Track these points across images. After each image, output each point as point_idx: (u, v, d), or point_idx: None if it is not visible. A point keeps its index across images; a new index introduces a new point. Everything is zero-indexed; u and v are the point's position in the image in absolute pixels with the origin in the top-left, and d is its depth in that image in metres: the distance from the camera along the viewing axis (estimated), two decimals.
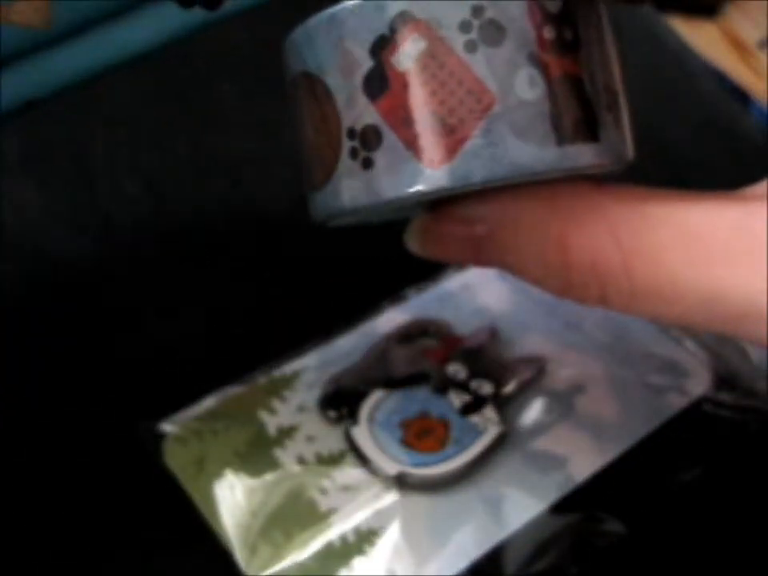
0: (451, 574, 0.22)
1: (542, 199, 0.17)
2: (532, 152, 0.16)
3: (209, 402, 0.26)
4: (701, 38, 0.47)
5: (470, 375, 0.26)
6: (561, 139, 0.16)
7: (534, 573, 0.22)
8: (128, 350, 0.28)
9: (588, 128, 0.17)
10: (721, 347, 0.28)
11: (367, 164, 0.17)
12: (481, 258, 0.19)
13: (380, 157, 0.17)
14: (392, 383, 0.26)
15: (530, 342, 0.28)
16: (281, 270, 0.31)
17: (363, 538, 0.23)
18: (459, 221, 0.18)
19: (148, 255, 0.31)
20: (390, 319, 0.28)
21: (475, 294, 0.29)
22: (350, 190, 0.17)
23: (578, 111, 0.16)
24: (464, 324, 0.28)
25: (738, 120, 0.38)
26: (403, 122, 0.16)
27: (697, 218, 0.17)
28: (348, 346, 0.27)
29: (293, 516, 0.23)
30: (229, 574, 0.22)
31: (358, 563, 0.22)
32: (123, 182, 0.33)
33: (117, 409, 0.26)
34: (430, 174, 0.16)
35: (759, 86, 0.46)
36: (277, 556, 0.22)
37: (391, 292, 0.29)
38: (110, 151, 0.33)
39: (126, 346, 0.28)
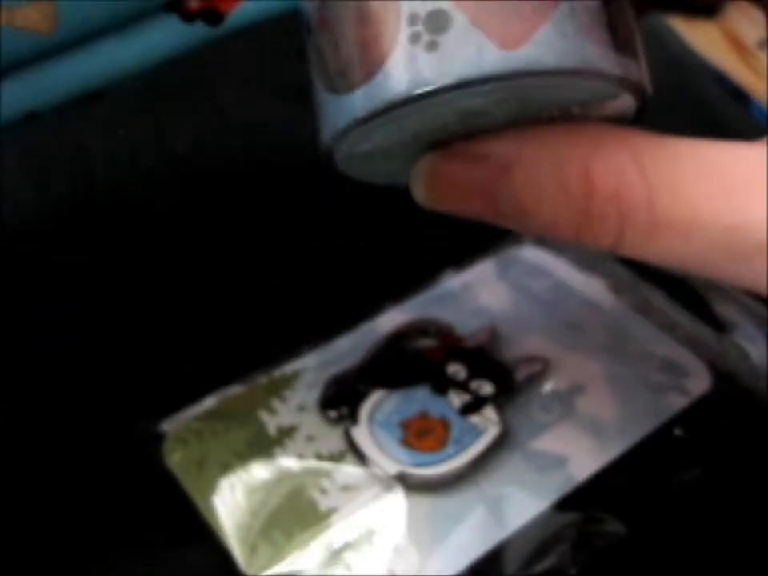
0: (451, 574, 0.22)
1: (565, 132, 0.17)
2: (596, 51, 0.16)
3: (209, 402, 0.26)
4: (701, 38, 0.47)
5: (470, 375, 0.26)
6: (617, 47, 0.17)
7: (534, 573, 0.22)
8: (128, 350, 0.28)
9: (632, 46, 0.17)
10: (721, 347, 0.28)
11: (432, 47, 0.16)
12: (491, 203, 0.18)
13: (448, 40, 0.16)
14: (392, 383, 0.26)
15: (530, 342, 0.28)
16: (281, 269, 0.31)
17: (363, 538, 0.23)
18: (472, 158, 0.18)
19: (148, 255, 0.31)
20: (390, 319, 0.28)
21: (475, 294, 0.29)
22: (412, 73, 0.16)
23: (626, 28, 0.17)
24: (464, 324, 0.28)
25: (738, 120, 0.38)
26: (474, 4, 0.16)
27: (721, 154, 0.17)
28: (348, 346, 0.27)
29: (293, 516, 0.23)
30: (229, 574, 0.22)
31: (358, 563, 0.22)
32: (123, 181, 0.33)
33: (117, 409, 0.26)
34: (502, 56, 0.16)
35: (759, 86, 0.46)
36: (277, 556, 0.22)
37: (391, 292, 0.29)
38: (111, 150, 0.33)
39: (125, 346, 0.28)
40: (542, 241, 0.31)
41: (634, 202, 0.16)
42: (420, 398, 0.25)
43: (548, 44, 0.16)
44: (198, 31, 0.23)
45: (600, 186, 0.17)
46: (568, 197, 0.17)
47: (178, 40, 0.23)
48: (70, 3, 0.20)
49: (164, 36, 0.23)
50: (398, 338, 0.27)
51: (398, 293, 0.29)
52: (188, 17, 0.23)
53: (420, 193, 0.19)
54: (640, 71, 0.17)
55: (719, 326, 0.28)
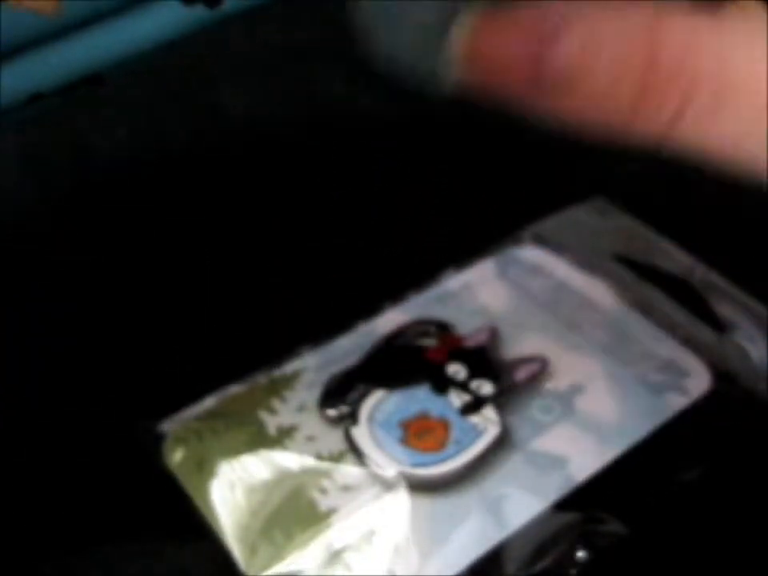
0: (451, 574, 0.22)
1: None
2: None
3: (209, 402, 0.26)
4: None
5: (470, 375, 0.26)
6: None
7: (534, 573, 0.22)
8: (128, 350, 0.28)
9: None
10: (721, 347, 0.28)
11: None
12: (535, 73, 0.16)
13: None
14: (392, 383, 0.26)
15: (530, 342, 0.28)
16: (281, 269, 0.31)
17: (363, 538, 0.23)
18: (523, 16, 0.16)
19: (148, 255, 0.31)
20: (390, 319, 0.28)
21: (475, 294, 0.29)
22: None
23: None
24: (464, 324, 0.28)
25: None
26: None
27: None
28: (348, 346, 0.27)
29: (293, 516, 0.23)
30: (229, 574, 0.22)
31: (358, 563, 0.22)
32: (122, 180, 0.33)
33: (117, 409, 0.26)
34: None
35: None
36: (277, 556, 0.22)
37: (391, 292, 0.29)
38: (111, 149, 0.33)
39: (125, 346, 0.28)
40: (542, 240, 0.31)
41: (700, 73, 0.15)
42: (420, 398, 0.25)
43: None
44: (198, 13, 0.23)
45: (665, 55, 0.15)
46: (628, 65, 0.16)
47: (179, 22, 0.23)
48: None
49: (165, 18, 0.23)
50: (398, 338, 0.27)
51: (398, 293, 0.29)
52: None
53: (453, 61, 0.17)
54: None
55: (719, 326, 0.28)
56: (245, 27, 0.29)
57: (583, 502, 0.24)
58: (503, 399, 0.25)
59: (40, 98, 0.22)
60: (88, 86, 0.23)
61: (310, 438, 0.25)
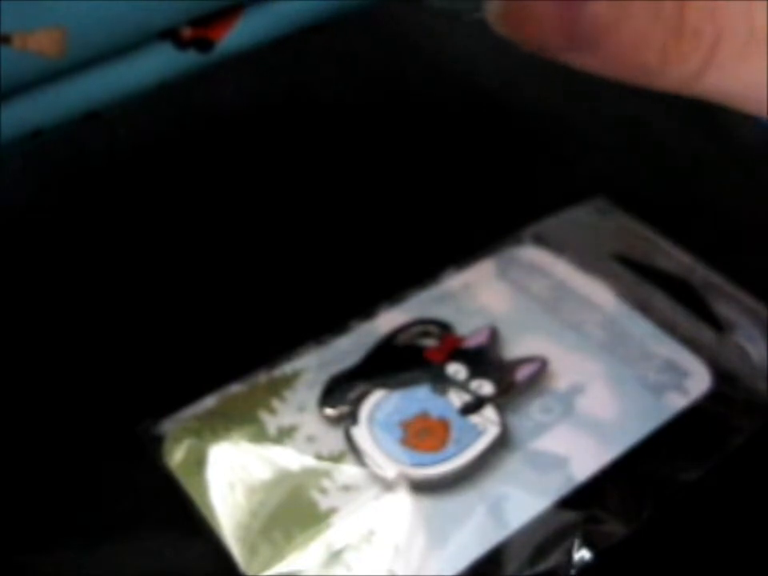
0: (451, 574, 0.22)
1: None
2: None
3: (209, 402, 0.26)
4: None
5: (470, 375, 0.26)
6: None
7: (534, 573, 0.22)
8: (128, 350, 0.28)
9: None
10: (721, 347, 0.28)
11: None
12: (569, 24, 0.16)
13: None
14: (392, 383, 0.26)
15: (530, 342, 0.28)
16: (281, 269, 0.31)
17: (363, 538, 0.23)
18: None
19: (149, 255, 0.31)
20: (390, 319, 0.28)
21: (475, 294, 0.29)
22: None
23: None
24: (464, 324, 0.28)
25: (738, 120, 0.38)
26: None
27: None
28: (348, 346, 0.27)
29: (293, 516, 0.23)
30: (229, 574, 0.22)
31: (358, 563, 0.22)
32: (123, 180, 0.33)
33: (117, 409, 0.26)
34: None
35: None
36: (277, 556, 0.22)
37: (391, 292, 0.29)
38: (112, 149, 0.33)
39: (125, 346, 0.28)
40: (542, 240, 0.31)
41: (727, 22, 0.15)
42: (420, 398, 0.25)
43: None
44: (191, 57, 0.25)
45: (693, 6, 0.15)
46: (659, 12, 0.16)
47: (171, 65, 0.25)
48: (79, 30, 0.22)
49: (159, 61, 0.24)
50: (398, 338, 0.27)
51: (398, 292, 0.29)
52: (181, 44, 0.24)
53: (493, 17, 0.18)
54: None
55: (719, 326, 0.28)
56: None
57: (583, 501, 0.24)
58: (503, 399, 0.25)
59: (40, 134, 0.23)
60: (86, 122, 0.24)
61: (310, 438, 0.25)
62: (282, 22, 0.25)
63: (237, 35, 0.25)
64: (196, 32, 0.24)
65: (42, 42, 0.21)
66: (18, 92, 0.22)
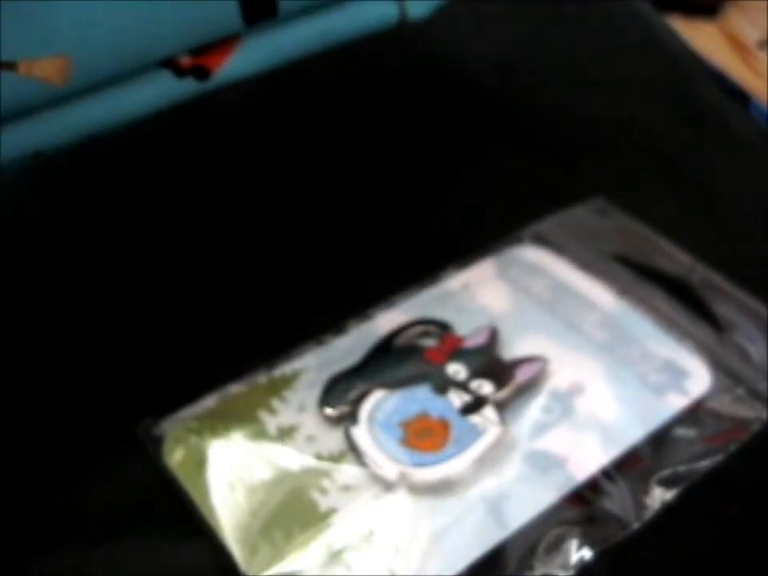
0: (451, 574, 0.22)
1: None
2: None
3: (209, 402, 0.26)
4: (701, 38, 0.47)
5: (470, 375, 0.26)
6: None
7: (534, 573, 0.22)
8: (127, 349, 0.28)
9: None
10: (721, 347, 0.28)
11: None
12: None
13: None
14: (392, 383, 0.26)
15: (530, 342, 0.28)
16: (281, 269, 0.31)
17: (363, 538, 0.23)
18: None
19: (149, 257, 0.31)
20: (390, 319, 0.28)
21: (475, 294, 0.29)
22: None
23: None
24: (464, 324, 0.28)
25: (737, 120, 0.38)
26: None
27: None
28: (348, 346, 0.27)
29: (293, 516, 0.23)
30: (229, 574, 0.22)
31: (358, 563, 0.22)
32: (123, 180, 0.33)
33: (117, 409, 0.26)
34: None
35: (759, 86, 0.46)
36: (277, 556, 0.22)
37: (391, 291, 0.29)
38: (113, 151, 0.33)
39: (125, 345, 0.28)
40: (542, 240, 0.31)
41: None
42: (420, 398, 0.25)
43: None
44: (188, 85, 0.26)
45: None
46: None
47: (170, 92, 0.26)
48: (83, 59, 0.22)
49: (158, 88, 0.26)
50: (398, 338, 0.27)
51: (398, 292, 0.29)
52: (179, 72, 0.25)
53: None
54: None
55: (719, 326, 0.28)
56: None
57: (583, 502, 0.24)
58: (503, 399, 0.25)
59: (40, 156, 0.24)
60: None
61: (310, 438, 0.25)
62: (276, 53, 0.27)
63: (232, 65, 0.26)
64: (194, 60, 0.25)
65: (46, 69, 0.22)
66: (21, 115, 0.23)
